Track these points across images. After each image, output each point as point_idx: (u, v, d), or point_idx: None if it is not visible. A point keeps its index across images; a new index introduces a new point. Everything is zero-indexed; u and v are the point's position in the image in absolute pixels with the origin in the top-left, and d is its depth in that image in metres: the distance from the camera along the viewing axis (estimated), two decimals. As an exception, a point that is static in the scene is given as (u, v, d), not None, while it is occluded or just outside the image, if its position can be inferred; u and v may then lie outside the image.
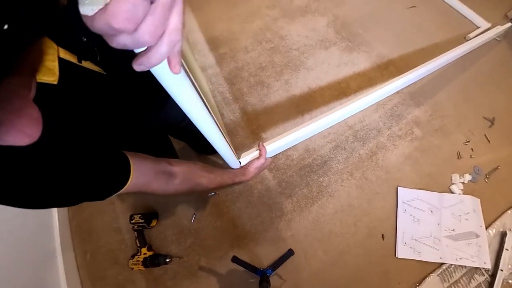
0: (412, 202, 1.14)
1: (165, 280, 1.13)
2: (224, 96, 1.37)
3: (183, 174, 0.65)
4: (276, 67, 1.37)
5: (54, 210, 1.20)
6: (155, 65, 0.30)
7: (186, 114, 0.49)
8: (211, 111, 0.61)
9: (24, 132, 0.20)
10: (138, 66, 0.29)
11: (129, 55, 0.34)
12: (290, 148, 1.25)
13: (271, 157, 1.04)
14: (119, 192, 0.48)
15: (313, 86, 1.32)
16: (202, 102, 0.50)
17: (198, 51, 1.46)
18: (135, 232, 1.17)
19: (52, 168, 0.38)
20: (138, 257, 1.12)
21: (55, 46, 0.37)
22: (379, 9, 1.43)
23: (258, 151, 0.96)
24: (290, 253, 1.10)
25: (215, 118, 0.63)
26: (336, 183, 1.19)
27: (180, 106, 0.46)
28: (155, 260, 1.11)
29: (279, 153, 1.25)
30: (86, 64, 0.43)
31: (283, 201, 1.19)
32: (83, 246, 1.21)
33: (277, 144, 1.08)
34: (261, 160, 0.90)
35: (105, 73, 0.48)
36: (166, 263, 1.12)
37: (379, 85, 1.15)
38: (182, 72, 0.39)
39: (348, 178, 1.20)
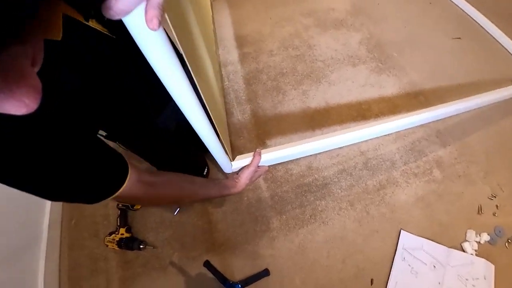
0: (414, 251, 0.99)
1: (135, 266, 1.09)
2: (237, 95, 1.33)
3: (163, 185, 0.60)
4: (297, 76, 1.30)
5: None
6: (125, 12, 0.26)
7: (166, 88, 0.43)
8: (208, 101, 0.56)
9: (23, 101, 0.20)
10: (107, 11, 0.26)
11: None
12: (292, 161, 1.17)
13: (267, 166, 0.97)
14: (118, 191, 0.45)
15: (332, 102, 1.23)
16: (189, 85, 0.44)
17: (224, 47, 1.45)
18: (119, 211, 1.16)
19: (48, 152, 0.37)
20: (115, 236, 1.10)
21: (59, 2, 0.35)
22: (419, 34, 1.30)
23: (250, 158, 0.89)
24: (265, 273, 1.02)
25: (208, 109, 0.58)
26: (333, 210, 1.08)
27: (159, 76, 0.40)
28: (129, 243, 1.09)
29: (278, 164, 1.17)
30: (93, 23, 0.41)
31: (271, 216, 1.10)
32: (71, 211, 1.23)
33: (278, 153, 1.00)
34: (251, 169, 0.81)
35: (114, 36, 0.45)
36: (140, 249, 1.09)
37: (403, 114, 1.04)
38: (163, 36, 0.34)
39: (347, 207, 1.08)
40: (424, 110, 1.09)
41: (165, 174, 0.64)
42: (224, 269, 1.04)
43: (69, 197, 0.43)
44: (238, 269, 1.05)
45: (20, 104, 0.19)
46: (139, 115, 0.66)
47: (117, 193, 0.46)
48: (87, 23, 0.40)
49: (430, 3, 1.35)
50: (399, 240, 1.01)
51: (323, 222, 1.07)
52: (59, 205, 1.22)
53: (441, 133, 1.14)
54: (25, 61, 0.20)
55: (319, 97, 1.25)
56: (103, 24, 0.43)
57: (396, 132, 1.15)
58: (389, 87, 1.22)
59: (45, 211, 1.15)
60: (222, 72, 1.39)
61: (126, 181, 0.46)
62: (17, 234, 1.02)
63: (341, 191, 1.10)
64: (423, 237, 1.00)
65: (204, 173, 1.15)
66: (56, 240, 1.16)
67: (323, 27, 1.37)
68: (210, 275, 1.02)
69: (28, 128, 0.34)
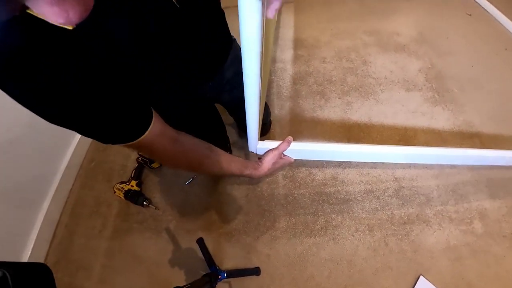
0: (433, 305, 0.82)
1: (132, 220, 1.07)
2: (279, 90, 1.30)
3: (185, 146, 0.60)
4: (344, 86, 1.24)
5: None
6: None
7: (243, 65, 0.48)
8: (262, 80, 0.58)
9: (66, 12, 0.20)
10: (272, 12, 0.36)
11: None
12: (317, 166, 1.09)
13: (293, 158, 0.91)
14: (136, 141, 0.47)
15: (375, 120, 1.14)
16: (259, 67, 0.48)
17: (279, 45, 1.45)
18: (137, 164, 1.16)
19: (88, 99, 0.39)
20: (125, 186, 1.10)
21: None
22: (488, 77, 1.17)
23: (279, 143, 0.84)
24: (255, 271, 0.92)
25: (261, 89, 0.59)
26: (348, 230, 0.96)
27: (243, 46, 0.44)
28: (135, 197, 1.07)
29: (302, 166, 1.09)
30: None
31: (280, 215, 1.01)
32: (94, 153, 1.26)
33: (307, 147, 0.93)
34: (275, 153, 0.77)
35: (178, 5, 0.44)
36: (143, 205, 1.06)
37: (452, 148, 0.92)
38: (260, 25, 0.39)
39: (364, 231, 0.95)
40: (478, 149, 0.97)
41: (191, 138, 0.63)
42: (215, 252, 0.96)
43: (99, 135, 0.46)
44: (228, 257, 0.96)
45: (62, 14, 0.19)
46: (182, 82, 0.66)
47: (139, 139, 0.47)
48: None
49: (506, 49, 1.23)
50: (416, 287, 0.86)
51: (333, 239, 0.95)
52: (85, 146, 1.26)
53: (492, 183, 0.98)
54: None
55: (363, 111, 1.17)
56: None
57: (440, 167, 1.01)
58: (442, 120, 1.10)
59: (69, 149, 1.19)
60: (271, 67, 1.39)
61: (147, 131, 0.48)
62: (39, 161, 1.06)
63: (363, 212, 0.98)
64: (446, 292, 0.84)
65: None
66: (72, 175, 1.19)
67: (383, 47, 1.31)
68: (199, 253, 0.95)
69: (80, 76, 0.36)
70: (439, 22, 1.36)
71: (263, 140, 0.87)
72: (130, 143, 0.47)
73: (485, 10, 1.33)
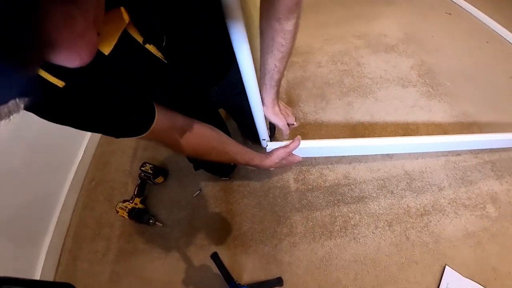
0: (463, 295, 0.78)
1: (138, 240, 0.97)
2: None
3: (193, 139, 0.62)
4: (343, 88, 1.24)
5: (89, 134, 1.21)
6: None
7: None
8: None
9: (79, 54, 0.21)
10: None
11: (194, 50, 0.52)
12: (327, 167, 1.05)
13: (301, 157, 0.87)
14: (144, 134, 0.51)
15: (377, 117, 1.13)
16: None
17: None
18: (139, 180, 1.07)
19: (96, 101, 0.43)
20: (128, 204, 1.00)
21: (126, 20, 0.36)
22: (475, 69, 1.21)
23: (289, 142, 0.82)
24: (277, 282, 0.84)
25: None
26: (368, 227, 0.91)
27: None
28: (140, 215, 0.98)
29: (313, 167, 1.05)
30: (149, 47, 0.42)
31: (296, 220, 0.95)
32: (94, 172, 1.16)
33: (314, 143, 0.90)
34: (285, 150, 0.78)
35: (165, 61, 0.47)
36: (149, 223, 0.97)
37: (456, 135, 0.91)
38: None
39: (384, 227, 0.91)
40: (479, 134, 0.97)
41: (202, 128, 0.64)
42: (232, 266, 0.88)
43: (113, 132, 0.49)
44: (247, 270, 0.88)
45: (75, 57, 0.20)
46: (187, 88, 0.68)
47: (146, 133, 0.51)
48: (143, 45, 0.41)
49: (487, 42, 1.29)
50: (443, 278, 0.81)
51: (354, 238, 0.90)
52: (85, 165, 1.16)
53: (497, 167, 0.97)
54: (87, 20, 0.21)
55: (364, 110, 1.16)
56: (160, 49, 0.44)
57: (446, 157, 1.01)
58: (440, 112, 1.11)
59: (72, 171, 1.10)
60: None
61: (152, 125, 0.51)
62: (42, 185, 0.97)
63: (379, 208, 0.94)
64: (472, 280, 0.80)
65: (232, 164, 1.06)
66: (74, 196, 1.09)
67: (374, 49, 1.33)
68: (215, 269, 0.87)
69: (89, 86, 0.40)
70: (422, 22, 1.42)
71: (272, 141, 0.86)
72: (140, 136, 0.51)
73: (463, 8, 1.41)
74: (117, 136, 0.50)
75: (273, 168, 1.03)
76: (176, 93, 0.62)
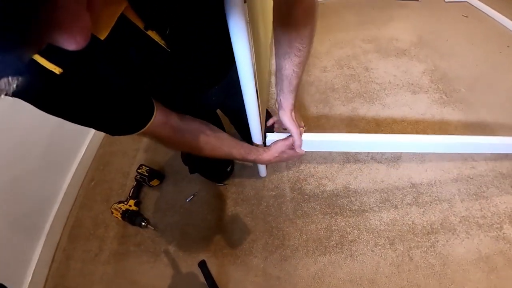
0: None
1: (130, 243, 0.95)
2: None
3: (188, 136, 0.62)
4: (348, 93, 1.17)
5: (91, 134, 1.23)
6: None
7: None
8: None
9: (75, 38, 0.21)
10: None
11: (198, 43, 0.50)
12: (326, 177, 0.98)
13: (304, 151, 0.80)
14: (140, 131, 0.51)
15: (384, 124, 1.05)
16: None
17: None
18: (135, 182, 1.07)
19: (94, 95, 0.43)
20: (122, 206, 1.00)
21: (123, 4, 0.34)
22: (494, 75, 1.08)
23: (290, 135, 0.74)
24: (266, 296, 0.78)
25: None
26: (367, 245, 0.83)
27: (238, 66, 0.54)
28: (133, 217, 0.97)
29: (311, 177, 0.99)
30: (152, 34, 0.41)
31: (289, 231, 0.89)
32: (94, 173, 1.18)
33: (318, 137, 0.80)
34: (285, 142, 0.73)
35: (168, 50, 0.45)
36: (141, 226, 0.96)
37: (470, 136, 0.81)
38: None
39: (385, 245, 0.82)
40: (499, 136, 0.84)
41: (195, 123, 0.64)
42: (219, 276, 0.84)
43: (109, 128, 0.49)
44: (234, 282, 0.83)
45: (72, 41, 0.21)
46: (187, 87, 0.66)
47: (143, 129, 0.50)
48: (145, 31, 0.40)
49: (508, 46, 1.16)
50: (452, 309, 0.71)
51: (351, 255, 0.82)
52: (86, 165, 1.19)
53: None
54: (81, 6, 0.22)
55: (370, 117, 1.08)
56: (162, 36, 0.43)
57: (458, 170, 0.90)
58: (454, 121, 1.00)
59: (71, 169, 1.12)
60: (271, 80, 1.33)
61: (149, 122, 0.51)
62: (42, 181, 0.99)
63: (381, 224, 0.86)
64: (489, 315, 0.69)
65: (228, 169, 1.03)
66: (72, 195, 1.10)
67: (384, 53, 1.25)
68: (201, 278, 0.82)
69: (86, 80, 0.40)
70: (436, 25, 1.31)
71: (270, 134, 0.79)
72: (136, 133, 0.51)
73: (481, 10, 1.29)
74: (112, 133, 0.49)
75: (273, 163, 0.95)
76: (176, 87, 0.61)
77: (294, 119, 0.70)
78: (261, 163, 0.76)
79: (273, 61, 0.65)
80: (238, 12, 0.45)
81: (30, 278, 0.88)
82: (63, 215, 1.04)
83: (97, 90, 0.42)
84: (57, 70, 0.35)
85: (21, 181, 0.91)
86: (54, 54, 0.33)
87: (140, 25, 0.38)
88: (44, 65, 0.34)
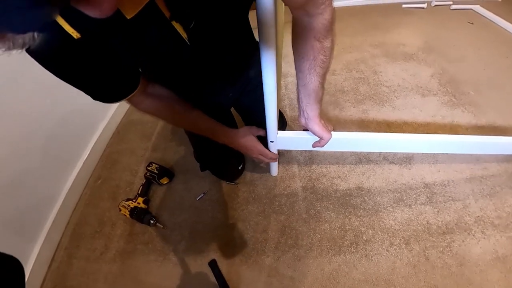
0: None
1: (137, 241, 0.92)
2: (291, 102, 1.23)
3: (157, 101, 0.63)
4: (358, 95, 1.18)
5: (100, 130, 1.22)
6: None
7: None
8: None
9: (101, 6, 0.22)
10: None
11: (219, 41, 0.52)
12: (339, 176, 0.97)
13: (276, 156, 0.83)
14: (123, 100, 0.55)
15: (394, 126, 1.05)
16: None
17: (287, 61, 1.42)
18: (144, 179, 1.05)
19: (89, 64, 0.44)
20: (131, 203, 0.97)
21: None
22: (502, 78, 1.10)
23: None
24: (280, 297, 0.76)
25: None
26: (382, 244, 0.81)
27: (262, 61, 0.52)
28: (141, 215, 0.94)
29: (323, 177, 0.97)
30: (176, 25, 0.42)
31: (303, 230, 0.87)
32: (101, 171, 1.16)
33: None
34: (260, 132, 0.78)
35: (189, 43, 0.46)
36: (149, 224, 0.93)
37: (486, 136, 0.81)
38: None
39: (400, 245, 0.81)
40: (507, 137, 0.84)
41: (165, 94, 0.65)
42: (230, 276, 0.81)
43: (99, 95, 0.51)
44: (246, 282, 0.80)
45: (97, 8, 0.21)
46: (205, 85, 0.69)
47: (127, 97, 0.54)
48: (170, 21, 0.41)
49: (517, 52, 1.19)
50: (471, 311, 0.69)
51: (366, 255, 0.80)
52: (92, 163, 1.16)
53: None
54: None
55: (380, 118, 1.08)
56: (185, 29, 0.44)
57: (471, 171, 0.90)
58: (464, 123, 1.01)
59: (76, 167, 1.09)
60: (282, 82, 1.34)
61: (132, 94, 0.54)
62: (44, 180, 0.96)
63: (395, 224, 0.84)
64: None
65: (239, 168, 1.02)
66: (76, 194, 1.08)
67: (392, 57, 1.27)
68: (211, 278, 0.80)
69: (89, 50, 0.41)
70: (443, 32, 1.34)
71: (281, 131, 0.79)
72: (119, 101, 0.54)
73: (487, 18, 1.32)
74: (95, 98, 0.51)
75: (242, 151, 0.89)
76: (189, 80, 0.62)
77: (324, 125, 0.70)
78: (233, 146, 0.77)
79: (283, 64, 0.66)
80: (269, 19, 0.45)
81: (27, 278, 0.84)
82: (65, 213, 1.01)
83: (101, 59, 0.44)
84: (75, 34, 0.36)
85: (20, 179, 0.87)
86: (77, 20, 0.35)
87: (167, 14, 0.39)
88: (65, 28, 0.35)
